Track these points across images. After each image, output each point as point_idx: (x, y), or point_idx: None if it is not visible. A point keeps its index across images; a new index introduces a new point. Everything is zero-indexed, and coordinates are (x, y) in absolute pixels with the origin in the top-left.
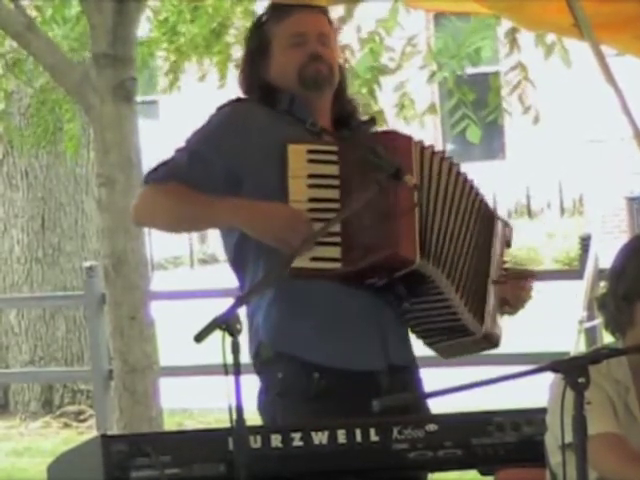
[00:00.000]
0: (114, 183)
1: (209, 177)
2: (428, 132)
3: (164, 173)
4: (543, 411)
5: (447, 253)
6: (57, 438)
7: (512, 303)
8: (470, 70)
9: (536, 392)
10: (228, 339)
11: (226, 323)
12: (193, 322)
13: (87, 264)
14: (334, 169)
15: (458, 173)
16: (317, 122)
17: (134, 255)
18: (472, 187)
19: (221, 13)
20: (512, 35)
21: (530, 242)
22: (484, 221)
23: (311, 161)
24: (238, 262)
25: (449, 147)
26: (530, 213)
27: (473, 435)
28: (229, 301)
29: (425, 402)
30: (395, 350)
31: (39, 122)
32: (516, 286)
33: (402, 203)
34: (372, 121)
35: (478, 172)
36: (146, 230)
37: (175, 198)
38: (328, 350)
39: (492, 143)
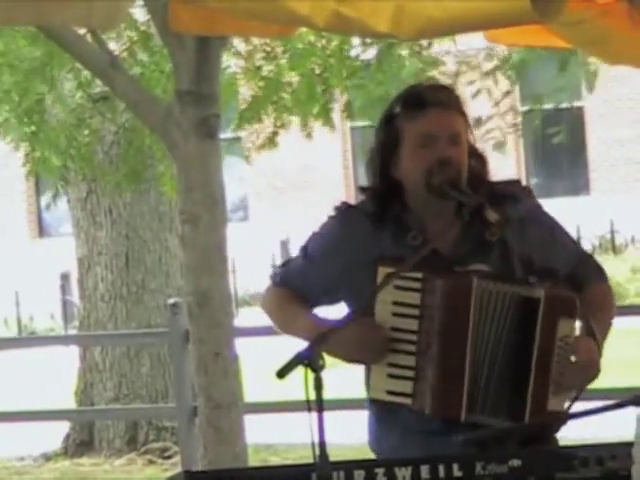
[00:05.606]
0: (198, 220)
1: (311, 286)
2: (511, 168)
3: (280, 276)
4: (627, 445)
5: (489, 391)
6: (142, 475)
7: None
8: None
9: (618, 426)
10: (311, 375)
11: (308, 359)
12: (277, 358)
13: (171, 301)
14: (416, 297)
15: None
16: (420, 235)
17: (218, 292)
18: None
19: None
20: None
21: (615, 277)
22: (521, 322)
23: (397, 287)
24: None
25: (533, 181)
26: (614, 248)
27: (557, 470)
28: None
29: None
30: None
31: (126, 162)
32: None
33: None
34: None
35: (562, 208)
36: (230, 267)
37: (279, 306)
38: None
39: (576, 179)
